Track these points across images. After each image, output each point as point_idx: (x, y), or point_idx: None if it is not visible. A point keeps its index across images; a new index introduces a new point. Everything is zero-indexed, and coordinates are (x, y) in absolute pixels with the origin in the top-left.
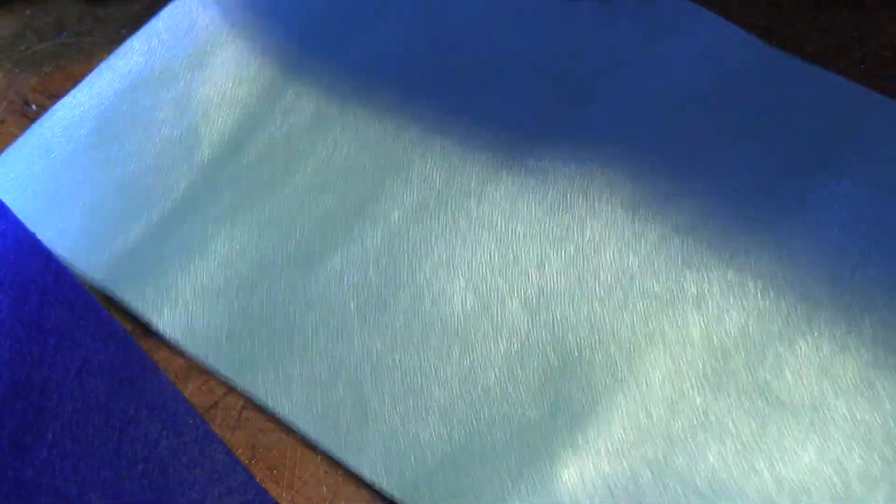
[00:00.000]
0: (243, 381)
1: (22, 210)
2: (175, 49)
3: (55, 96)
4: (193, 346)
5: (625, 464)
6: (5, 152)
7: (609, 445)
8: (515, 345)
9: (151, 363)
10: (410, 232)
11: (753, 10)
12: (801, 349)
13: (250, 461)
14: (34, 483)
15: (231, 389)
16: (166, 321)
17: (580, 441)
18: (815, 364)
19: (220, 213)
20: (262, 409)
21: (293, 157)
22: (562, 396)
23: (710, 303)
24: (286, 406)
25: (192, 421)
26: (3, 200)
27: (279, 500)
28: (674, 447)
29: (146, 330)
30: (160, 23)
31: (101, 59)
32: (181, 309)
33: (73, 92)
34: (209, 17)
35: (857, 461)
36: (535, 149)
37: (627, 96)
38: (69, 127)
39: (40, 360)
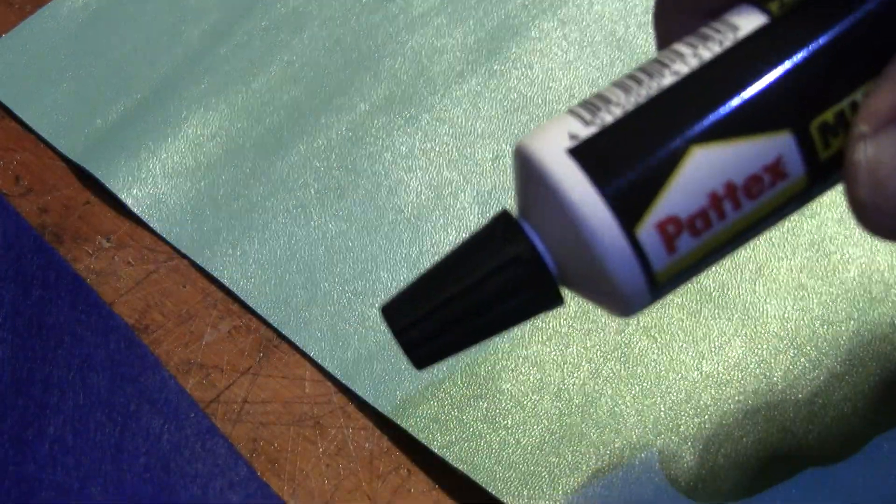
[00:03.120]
0: (203, 258)
1: (8, 94)
2: None
3: None
4: (160, 222)
5: (572, 347)
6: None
7: (550, 330)
8: (464, 235)
9: (153, 358)
10: (374, 124)
11: None
12: (739, 251)
13: (251, 455)
14: (36, 477)
15: (229, 386)
16: (136, 197)
17: (518, 330)
18: (750, 266)
19: (195, 98)
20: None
21: (270, 49)
22: None
23: None
24: (240, 282)
25: (193, 415)
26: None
27: (281, 494)
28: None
29: (147, 326)
30: None
31: None
32: (151, 187)
33: None
34: None
35: (783, 359)
36: (504, 52)
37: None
38: (63, 18)
39: (42, 357)
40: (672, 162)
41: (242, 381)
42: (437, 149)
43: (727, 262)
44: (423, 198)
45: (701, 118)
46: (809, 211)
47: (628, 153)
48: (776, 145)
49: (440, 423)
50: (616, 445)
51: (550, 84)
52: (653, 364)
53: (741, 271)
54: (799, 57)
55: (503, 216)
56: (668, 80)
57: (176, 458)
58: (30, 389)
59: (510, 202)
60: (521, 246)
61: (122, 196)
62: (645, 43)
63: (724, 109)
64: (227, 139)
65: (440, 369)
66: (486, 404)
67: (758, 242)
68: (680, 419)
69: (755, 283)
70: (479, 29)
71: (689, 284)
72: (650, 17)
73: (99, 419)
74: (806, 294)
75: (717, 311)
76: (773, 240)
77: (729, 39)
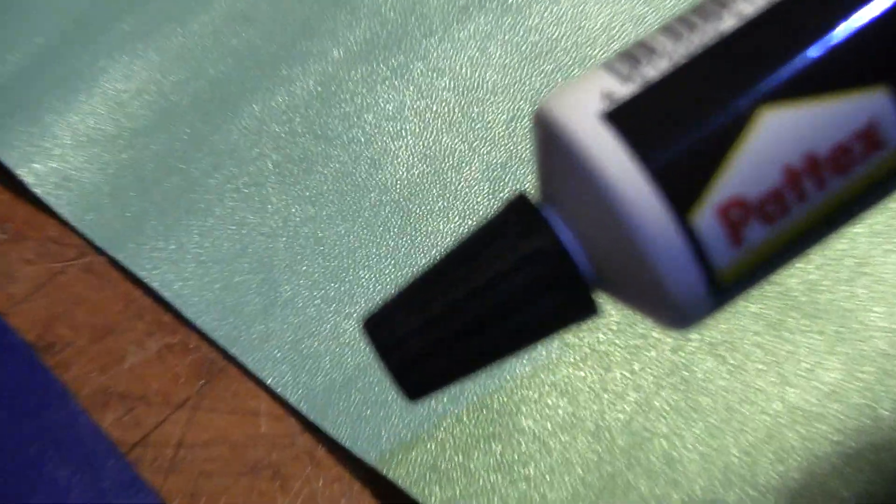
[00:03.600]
0: (124, 253)
1: None
2: None
3: None
4: (69, 206)
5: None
6: None
7: (565, 359)
8: (470, 222)
9: (59, 386)
10: (351, 75)
11: None
12: (830, 243)
13: None
14: None
15: (160, 424)
16: (38, 174)
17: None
18: (848, 261)
19: (116, 42)
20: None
21: None
22: None
23: None
24: (176, 284)
25: (111, 462)
26: None
27: None
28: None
29: (51, 343)
30: None
31: None
32: (57, 160)
33: None
34: None
35: (893, 385)
36: (511, 4)
37: None
38: None
39: None
40: (736, 128)
41: (178, 417)
42: (435, 108)
43: (816, 258)
44: (416, 173)
45: (773, 72)
46: None
47: (679, 118)
48: (870, 106)
49: (440, 472)
50: (674, 500)
51: (582, 23)
52: (722, 393)
53: (837, 269)
54: None
55: (520, 201)
56: (728, 23)
57: None
58: None
59: (530, 181)
60: (543, 238)
61: (19, 172)
62: None
63: (802, 60)
64: (157, 96)
65: (440, 401)
66: (500, 447)
67: (856, 231)
68: (758, 466)
69: (854, 284)
70: None
71: (766, 286)
72: None
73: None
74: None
75: (805, 321)
76: (877, 227)
77: None
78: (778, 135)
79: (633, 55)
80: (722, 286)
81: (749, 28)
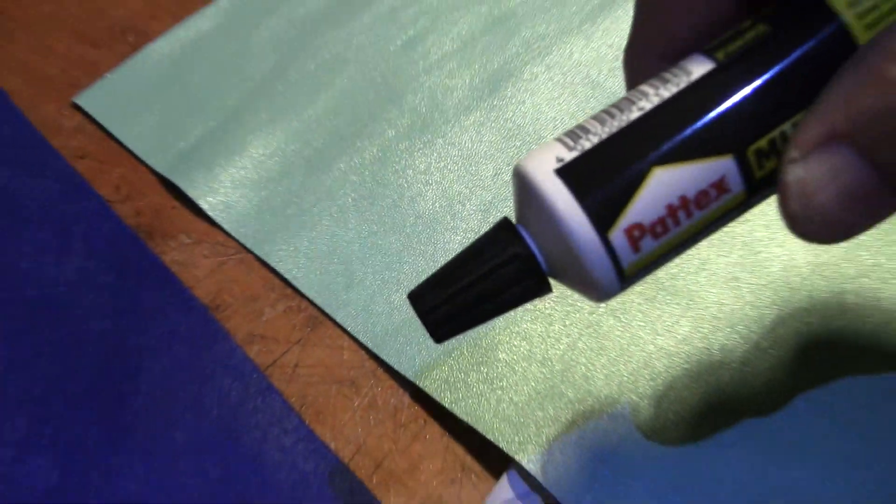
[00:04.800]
0: (263, 252)
1: (111, 121)
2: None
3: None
4: (229, 224)
5: (554, 325)
6: (108, 76)
7: (534, 310)
8: (469, 234)
9: (223, 331)
10: (398, 146)
11: None
12: (688, 251)
13: (301, 408)
14: (131, 425)
15: (284, 354)
16: (211, 204)
17: (511, 313)
18: (695, 262)
19: (258, 125)
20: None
21: (317, 87)
22: None
23: None
24: (294, 271)
25: (255, 376)
26: (105, 116)
27: (324, 439)
28: (587, 328)
29: (219, 305)
30: None
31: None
32: (222, 195)
33: (171, 30)
34: None
35: (720, 336)
36: (503, 91)
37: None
38: (153, 61)
39: (137, 329)
40: (637, 180)
41: (294, 350)
42: (449, 167)
43: (678, 259)
44: (437, 206)
45: (661, 145)
46: (742, 219)
47: (603, 173)
48: (721, 167)
49: (450, 384)
50: (588, 403)
51: (538, 116)
52: (617, 339)
53: (688, 266)
54: (738, 97)
55: (505, 222)
56: (634, 114)
57: (242, 410)
58: (127, 355)
59: (508, 210)
60: (519, 246)
61: (200, 202)
62: (613, 85)
63: (679, 138)
64: (282, 158)
65: (451, 342)
66: (486, 370)
67: (701, 243)
68: (638, 382)
69: (699, 275)
70: (483, 72)
71: (648, 277)
72: (619, 64)
73: (182, 379)
74: (738, 284)
75: (668, 297)
76: (714, 241)
77: (683, 82)
78: (664, 184)
79: (575, 133)
80: (626, 277)
81: (647, 117)
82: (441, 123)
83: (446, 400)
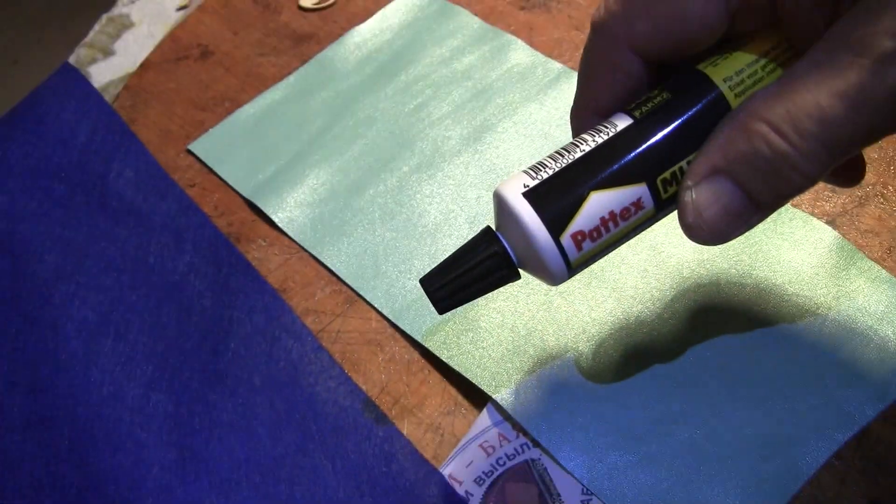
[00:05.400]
0: (316, 252)
1: (214, 161)
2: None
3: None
4: (293, 232)
5: (519, 303)
6: (211, 131)
7: (505, 292)
8: (460, 240)
9: (288, 307)
10: (412, 178)
11: None
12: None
13: (342, 361)
14: (223, 372)
15: (330, 323)
16: (279, 218)
17: (489, 294)
18: (617, 259)
19: (313, 163)
20: (353, 317)
21: (354, 137)
22: None
23: None
24: (337, 264)
25: (310, 339)
26: (208, 157)
27: (358, 383)
28: (542, 305)
29: (284, 289)
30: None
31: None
32: (288, 212)
33: (254, 99)
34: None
35: (635, 310)
36: (484, 139)
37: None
38: (241, 120)
39: (228, 304)
40: (580, 200)
41: (337, 320)
42: (445, 193)
43: (605, 258)
44: (437, 220)
45: (596, 176)
46: (650, 230)
47: (556, 195)
48: (638, 191)
49: (447, 344)
50: (544, 357)
51: (508, 157)
52: (564, 313)
53: (612, 262)
54: (650, 143)
55: (487, 230)
56: (578, 154)
57: (300, 364)
58: (221, 322)
59: (488, 222)
60: (497, 246)
61: (273, 217)
62: (560, 135)
63: (609, 171)
64: (330, 186)
65: (447, 315)
66: (472, 334)
67: (621, 247)
68: (579, 342)
69: (620, 268)
70: (469, 126)
71: (586, 273)
72: (565, 121)
73: (258, 340)
74: (647, 274)
75: (599, 283)
76: (630, 245)
77: (612, 132)
78: (597, 204)
79: (536, 167)
80: (572, 268)
81: (586, 157)
82: (440, 162)
83: (444, 355)
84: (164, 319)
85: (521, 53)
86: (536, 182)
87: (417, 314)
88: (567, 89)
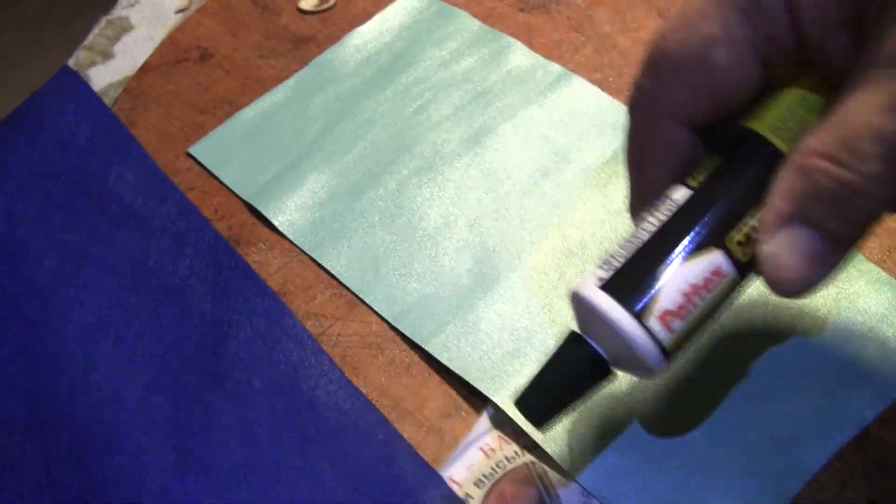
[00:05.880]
0: (317, 255)
1: (213, 164)
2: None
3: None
4: (293, 236)
5: (519, 306)
6: (211, 134)
7: (506, 295)
8: (460, 243)
9: (288, 310)
10: (412, 181)
11: None
12: None
13: (342, 365)
14: (223, 375)
15: (330, 326)
16: (280, 221)
17: (489, 296)
18: None
19: (313, 166)
20: (351, 323)
21: (354, 139)
22: (482, 272)
23: (574, 239)
24: (338, 268)
25: (310, 342)
26: (208, 161)
27: (358, 387)
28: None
29: (284, 292)
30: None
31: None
32: (288, 215)
33: (254, 102)
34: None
35: None
36: (484, 142)
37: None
38: (242, 122)
39: (228, 307)
40: (658, 280)
41: (337, 324)
42: (445, 195)
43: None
44: (437, 223)
45: (669, 253)
46: None
47: (634, 281)
48: (713, 259)
49: (447, 347)
50: (544, 360)
51: (508, 160)
52: (564, 315)
53: None
54: (712, 207)
55: (573, 334)
56: (645, 237)
57: (300, 367)
58: (221, 325)
59: (487, 227)
60: (587, 348)
61: (273, 220)
62: (562, 137)
63: (679, 245)
64: (330, 189)
65: (444, 317)
66: (472, 337)
67: None
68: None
69: None
70: (469, 129)
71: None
72: (568, 123)
73: (258, 343)
74: None
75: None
76: None
77: (673, 207)
78: (676, 280)
79: (607, 260)
80: (668, 353)
81: (654, 237)
82: (440, 165)
83: (444, 358)
84: (163, 322)
85: (520, 56)
86: (610, 273)
87: (417, 317)
88: (567, 91)
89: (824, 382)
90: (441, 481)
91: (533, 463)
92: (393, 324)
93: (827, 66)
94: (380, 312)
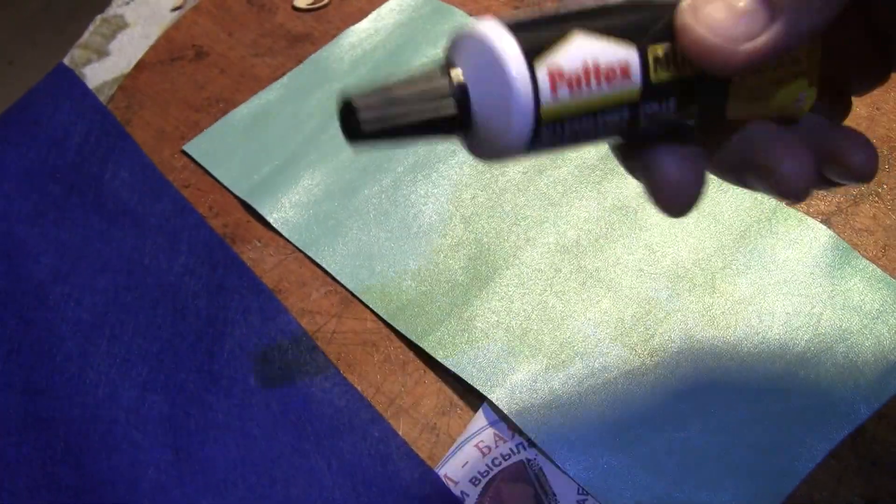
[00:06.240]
0: (311, 252)
1: (208, 162)
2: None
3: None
4: (288, 233)
5: (514, 303)
6: (206, 132)
7: (501, 292)
8: (455, 240)
9: (283, 307)
10: (407, 178)
11: None
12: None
13: (337, 362)
14: (218, 373)
15: (325, 324)
16: (274, 218)
17: (484, 293)
18: (612, 259)
19: (307, 164)
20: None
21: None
22: (477, 269)
23: (569, 236)
24: (333, 265)
25: (305, 339)
26: (203, 158)
27: (354, 383)
28: (538, 305)
29: (280, 290)
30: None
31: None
32: (283, 213)
33: (249, 100)
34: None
35: (630, 310)
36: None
37: None
38: (236, 121)
39: (223, 305)
40: (561, 34)
41: (332, 321)
42: (440, 193)
43: (600, 256)
44: (432, 219)
45: (584, 19)
46: (645, 227)
47: (537, 27)
48: (627, 53)
49: (442, 344)
50: (538, 358)
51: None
52: (559, 313)
53: (608, 261)
54: (644, 9)
55: (446, 64)
56: (564, 8)
57: (296, 363)
58: (216, 323)
59: (482, 225)
60: (454, 86)
61: (268, 218)
62: None
63: (598, 18)
64: (325, 187)
65: (441, 315)
66: (467, 335)
67: (615, 246)
68: (574, 343)
69: (615, 268)
70: None
71: (580, 272)
72: None
73: (254, 341)
74: (643, 274)
75: (594, 283)
76: (625, 245)
77: None
78: (581, 47)
79: (515, 16)
80: (542, 122)
81: (579, 9)
82: (435, 162)
83: (439, 355)
84: (159, 320)
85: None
86: (514, 21)
87: (413, 315)
88: None
89: (819, 380)
90: (437, 479)
91: (529, 460)
92: (388, 321)
93: None
94: (375, 310)
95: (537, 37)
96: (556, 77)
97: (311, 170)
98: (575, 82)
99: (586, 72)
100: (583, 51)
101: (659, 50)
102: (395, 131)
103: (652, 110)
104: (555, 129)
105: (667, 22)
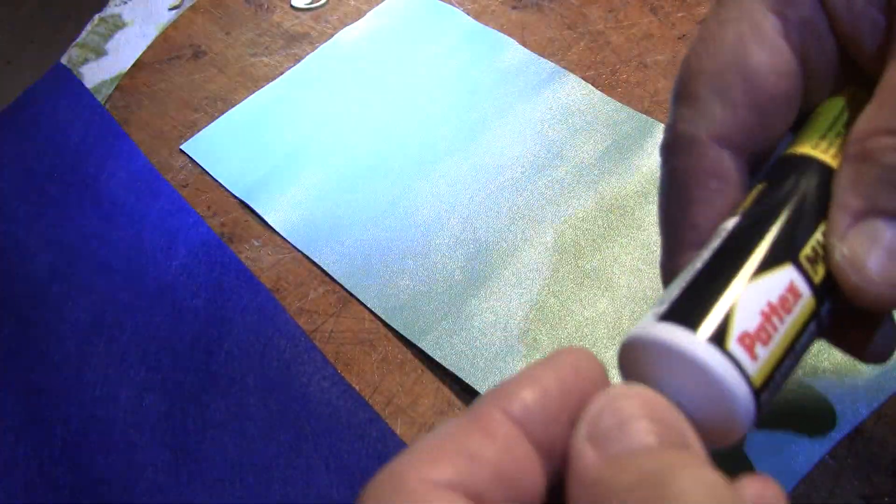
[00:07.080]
0: (309, 252)
1: (206, 161)
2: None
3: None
4: (287, 233)
5: (512, 302)
6: (204, 131)
7: (499, 292)
8: (453, 239)
9: (281, 307)
10: (404, 178)
11: None
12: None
13: (335, 361)
14: (216, 372)
15: (323, 323)
16: (274, 219)
17: (482, 293)
18: (610, 257)
19: (304, 165)
20: (345, 317)
21: (345, 136)
22: (475, 267)
23: (567, 236)
24: (330, 264)
25: (303, 339)
26: (201, 158)
27: (351, 383)
28: (535, 305)
29: (277, 289)
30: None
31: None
32: (282, 213)
33: (247, 99)
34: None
35: (627, 310)
36: (476, 139)
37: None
38: (233, 121)
39: (221, 304)
40: (729, 298)
41: (330, 320)
42: (438, 192)
43: (598, 254)
44: (431, 219)
45: (737, 270)
46: (642, 227)
47: (700, 304)
48: (788, 274)
49: (440, 343)
50: (536, 356)
51: (500, 157)
52: (557, 312)
53: (605, 260)
54: (772, 226)
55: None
56: (699, 265)
57: (293, 364)
58: (214, 322)
59: (480, 224)
60: None
61: (266, 217)
62: (555, 134)
63: (747, 261)
64: (322, 186)
65: (440, 311)
66: (465, 333)
67: (613, 245)
68: (572, 342)
69: (613, 267)
70: (462, 126)
71: (578, 271)
72: (560, 119)
73: (251, 340)
74: (641, 273)
75: (592, 282)
76: (623, 244)
77: (723, 235)
78: (750, 296)
79: (661, 300)
80: (757, 388)
81: (712, 263)
82: (433, 162)
83: (437, 355)
84: (156, 320)
85: (513, 53)
86: (668, 306)
87: (410, 314)
88: (560, 88)
89: (817, 380)
90: None
91: None
92: (386, 320)
93: (860, 47)
94: (373, 309)
95: (709, 316)
96: (746, 342)
97: (309, 169)
98: (764, 333)
99: (766, 318)
100: (753, 302)
101: (806, 250)
102: None
103: (830, 306)
104: (768, 384)
105: (799, 223)
